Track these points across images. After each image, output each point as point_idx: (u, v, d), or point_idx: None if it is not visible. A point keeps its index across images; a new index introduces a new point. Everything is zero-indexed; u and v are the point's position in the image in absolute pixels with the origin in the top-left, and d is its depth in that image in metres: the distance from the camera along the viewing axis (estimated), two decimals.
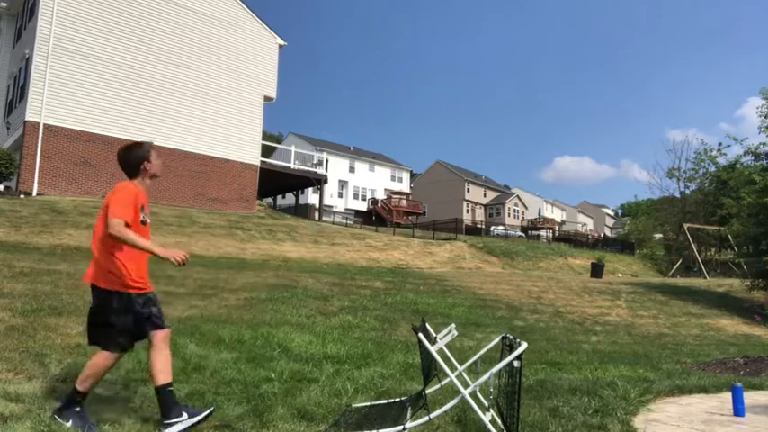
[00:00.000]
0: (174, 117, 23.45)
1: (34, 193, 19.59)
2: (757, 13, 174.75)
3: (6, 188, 19.77)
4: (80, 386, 3.36)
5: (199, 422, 3.38)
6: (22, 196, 18.73)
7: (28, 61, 20.88)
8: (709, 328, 13.15)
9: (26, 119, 20.03)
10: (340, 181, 57.05)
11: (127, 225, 3.31)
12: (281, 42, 27.66)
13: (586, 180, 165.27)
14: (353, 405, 4.05)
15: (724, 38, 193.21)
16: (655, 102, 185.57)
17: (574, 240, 52.17)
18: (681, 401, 5.08)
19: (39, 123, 20.05)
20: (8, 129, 23.16)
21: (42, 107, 20.14)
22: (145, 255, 3.44)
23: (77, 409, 3.34)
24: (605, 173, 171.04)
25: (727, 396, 4.83)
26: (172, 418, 3.32)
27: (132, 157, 3.57)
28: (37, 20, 20.44)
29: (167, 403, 3.36)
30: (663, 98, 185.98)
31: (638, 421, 4.22)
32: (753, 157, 19.83)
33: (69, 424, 3.24)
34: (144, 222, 3.50)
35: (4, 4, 24.91)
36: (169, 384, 3.39)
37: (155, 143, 3.89)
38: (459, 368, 3.89)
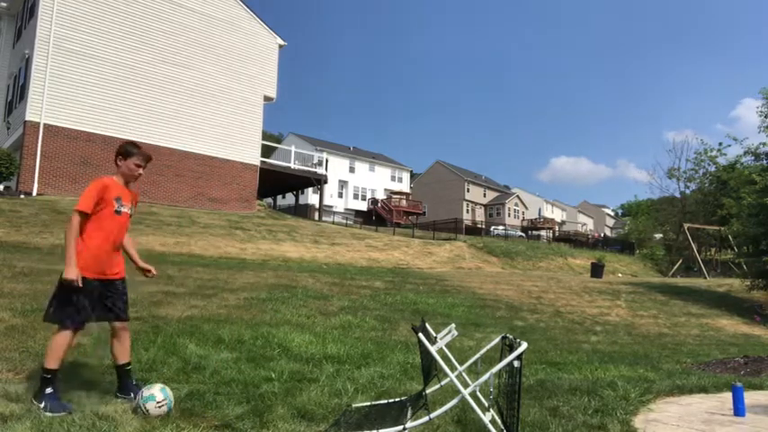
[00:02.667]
0: (174, 117, 23.44)
1: (34, 193, 19.59)
2: (754, 15, 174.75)
3: (6, 188, 19.76)
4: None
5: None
6: (22, 196, 18.72)
7: (28, 61, 20.88)
8: (710, 328, 13.14)
9: (26, 119, 20.02)
10: (340, 181, 57.06)
11: (85, 214, 3.64)
12: (281, 42, 27.65)
13: (583, 180, 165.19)
14: (353, 405, 4.05)
15: (720, 39, 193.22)
16: (651, 102, 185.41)
17: (574, 240, 52.20)
18: (681, 401, 5.08)
19: (39, 123, 20.06)
20: (8, 129, 23.17)
21: (42, 107, 20.13)
22: (103, 245, 3.76)
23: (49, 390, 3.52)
24: (602, 173, 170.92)
25: (728, 396, 4.83)
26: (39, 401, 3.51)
27: (116, 151, 3.91)
28: (37, 20, 20.43)
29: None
30: (659, 99, 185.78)
31: (638, 421, 4.22)
32: (753, 157, 19.84)
33: (42, 405, 3.45)
34: (118, 212, 3.80)
35: (4, 4, 24.90)
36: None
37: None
38: (459, 368, 3.89)
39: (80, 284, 3.53)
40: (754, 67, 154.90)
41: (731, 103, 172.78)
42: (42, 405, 3.44)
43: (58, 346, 3.56)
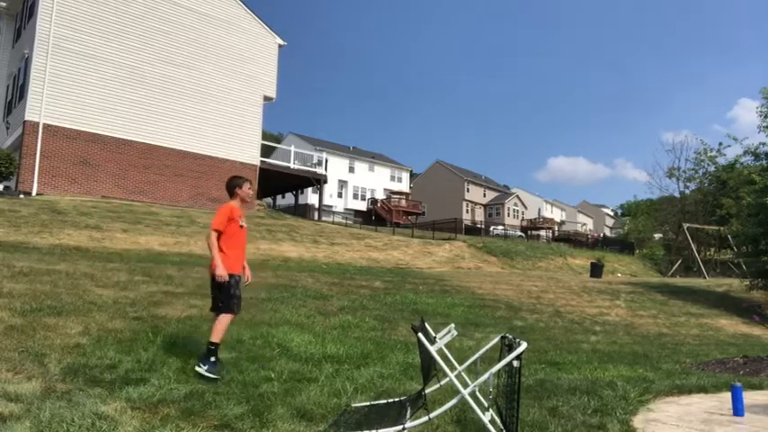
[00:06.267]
0: (174, 117, 23.43)
1: (33, 193, 19.58)
2: (745, 18, 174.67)
3: (6, 188, 19.76)
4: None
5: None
6: (21, 196, 18.72)
7: (27, 61, 20.86)
8: (709, 327, 13.15)
9: (26, 118, 20.01)
10: (340, 181, 57.06)
11: (218, 232, 4.96)
12: (281, 42, 27.64)
13: (582, 180, 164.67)
14: (353, 405, 4.05)
15: (713, 41, 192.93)
16: (647, 103, 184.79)
17: (573, 240, 52.20)
18: (680, 401, 5.09)
19: (38, 123, 20.04)
20: (7, 128, 23.15)
21: (42, 107, 20.12)
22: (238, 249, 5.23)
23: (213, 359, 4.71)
24: (599, 172, 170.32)
25: (727, 396, 4.83)
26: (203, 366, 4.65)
27: (233, 185, 5.19)
28: (36, 19, 20.42)
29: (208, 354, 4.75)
30: (655, 100, 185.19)
31: (637, 421, 4.22)
32: (752, 157, 19.78)
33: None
34: (241, 227, 5.21)
35: (3, 4, 24.87)
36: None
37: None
38: (459, 368, 3.89)
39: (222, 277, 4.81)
40: (751, 68, 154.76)
41: (728, 104, 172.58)
42: (205, 368, 4.59)
43: (225, 326, 4.84)
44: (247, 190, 5.27)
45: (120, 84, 22.04)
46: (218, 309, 4.91)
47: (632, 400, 4.82)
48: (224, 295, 4.88)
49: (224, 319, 4.85)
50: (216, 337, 4.78)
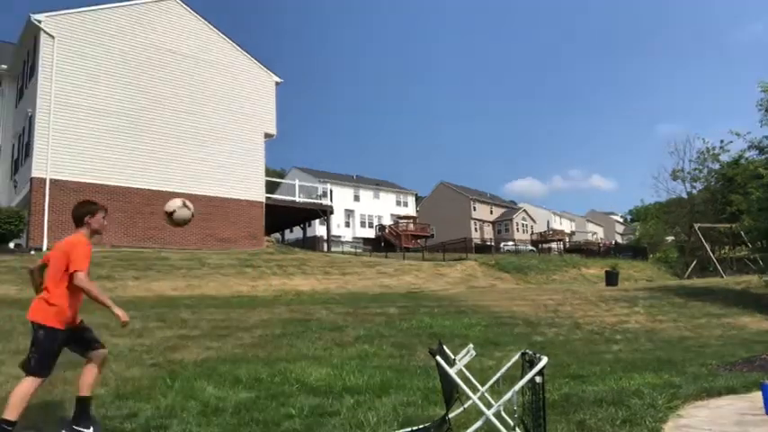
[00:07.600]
0: (178, 161, 23.68)
1: (44, 249, 19.71)
2: (735, 18, 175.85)
3: (17, 245, 19.92)
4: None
5: None
6: (32, 252, 18.85)
7: (31, 119, 21.24)
8: (732, 327, 12.95)
9: (32, 175, 20.28)
10: (346, 210, 57.23)
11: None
12: (278, 80, 28.06)
13: (588, 189, 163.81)
14: None
15: (704, 41, 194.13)
16: (642, 103, 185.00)
17: (585, 250, 51.87)
18: (710, 405, 4.98)
19: (45, 179, 20.30)
20: (15, 187, 23.48)
21: (47, 162, 20.39)
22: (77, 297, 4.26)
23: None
24: (601, 180, 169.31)
25: (758, 395, 4.73)
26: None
27: (79, 212, 4.32)
28: (37, 77, 20.85)
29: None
30: (648, 102, 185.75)
31: (668, 428, 4.14)
32: (757, 151, 19.67)
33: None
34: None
35: (4, 66, 25.48)
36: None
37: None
38: (481, 389, 3.84)
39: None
40: (737, 71, 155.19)
41: (715, 106, 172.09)
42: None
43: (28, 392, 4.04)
44: (101, 219, 4.34)
45: (123, 133, 22.34)
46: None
47: (661, 407, 4.73)
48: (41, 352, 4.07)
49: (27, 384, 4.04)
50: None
